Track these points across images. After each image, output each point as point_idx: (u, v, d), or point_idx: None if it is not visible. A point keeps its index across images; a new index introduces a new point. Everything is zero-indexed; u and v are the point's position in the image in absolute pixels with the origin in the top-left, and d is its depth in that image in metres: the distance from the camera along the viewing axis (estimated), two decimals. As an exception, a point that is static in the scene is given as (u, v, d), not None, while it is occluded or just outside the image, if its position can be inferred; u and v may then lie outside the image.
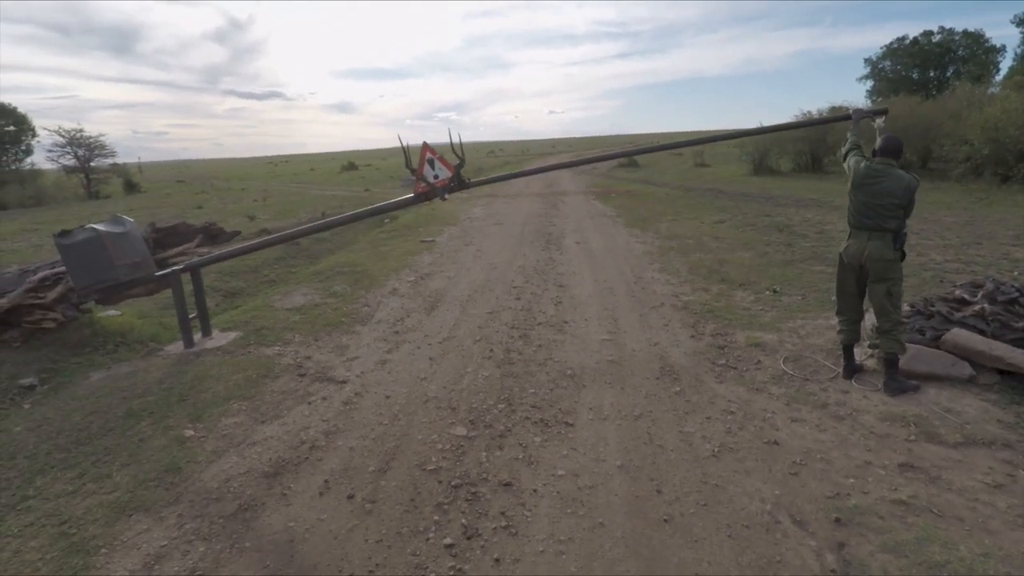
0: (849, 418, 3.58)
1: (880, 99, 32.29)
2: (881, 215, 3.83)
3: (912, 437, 3.31)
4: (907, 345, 4.02)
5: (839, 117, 6.53)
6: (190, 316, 5.42)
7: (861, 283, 4.10)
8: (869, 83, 38.73)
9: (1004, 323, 4.09)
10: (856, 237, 3.98)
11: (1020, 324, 4.05)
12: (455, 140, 5.34)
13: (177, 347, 5.35)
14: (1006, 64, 34.66)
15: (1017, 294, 4.22)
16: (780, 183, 18.35)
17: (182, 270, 5.42)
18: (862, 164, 3.94)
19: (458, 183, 5.41)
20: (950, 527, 2.57)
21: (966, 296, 4.39)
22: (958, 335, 4.01)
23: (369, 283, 7.61)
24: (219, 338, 5.56)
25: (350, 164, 46.19)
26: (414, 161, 5.31)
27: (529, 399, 4.06)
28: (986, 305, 4.17)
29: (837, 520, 2.66)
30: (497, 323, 5.74)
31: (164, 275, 5.32)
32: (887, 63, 38.31)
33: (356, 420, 3.86)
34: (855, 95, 36.46)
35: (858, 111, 4.64)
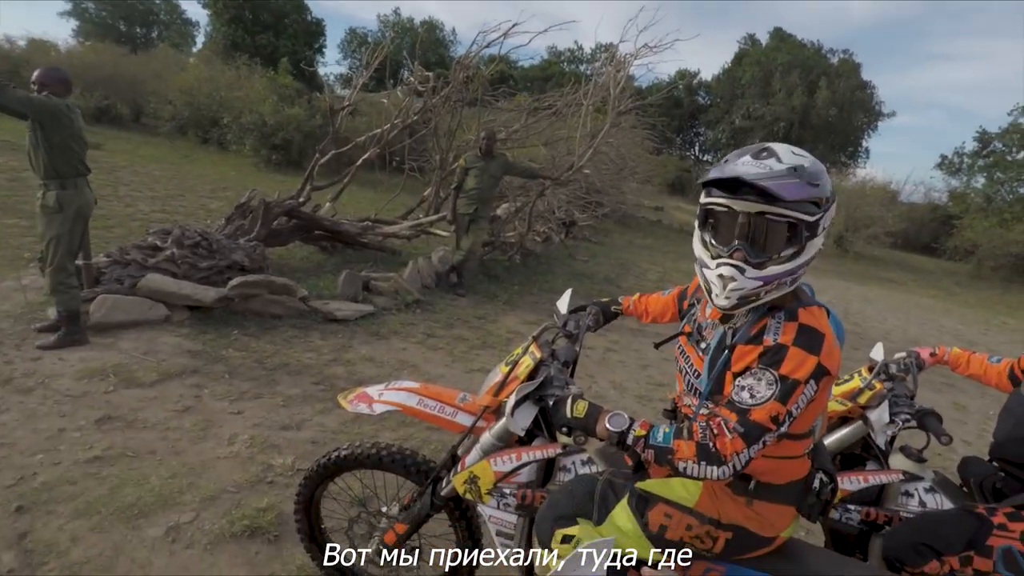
0: (40, 387, 3.16)
1: (87, 41, 29.86)
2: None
3: (111, 388, 3.25)
4: (106, 296, 3.94)
5: None
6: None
7: None
8: (74, 22, 35.11)
9: (192, 264, 4.58)
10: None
11: (204, 264, 4.65)
12: None
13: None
14: (201, 39, 38.81)
15: (200, 238, 4.80)
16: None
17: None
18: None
19: None
20: (144, 464, 2.67)
21: (158, 243, 4.65)
22: (151, 280, 4.20)
23: None
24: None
25: None
26: None
27: None
28: (175, 250, 4.54)
29: (19, 508, 2.29)
30: None
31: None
32: (90, 4, 35.55)
33: None
34: (52, 28, 32.37)
35: None
